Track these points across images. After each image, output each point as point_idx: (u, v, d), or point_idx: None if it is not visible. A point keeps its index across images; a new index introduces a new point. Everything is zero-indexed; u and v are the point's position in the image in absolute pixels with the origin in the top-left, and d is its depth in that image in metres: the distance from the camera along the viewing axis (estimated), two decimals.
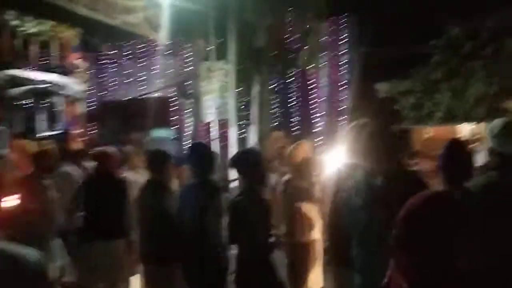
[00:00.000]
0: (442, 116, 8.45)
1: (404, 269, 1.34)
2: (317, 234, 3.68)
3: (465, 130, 9.25)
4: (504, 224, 1.62)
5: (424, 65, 8.80)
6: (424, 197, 1.35)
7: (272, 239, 2.86)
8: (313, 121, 13.99)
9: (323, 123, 13.84)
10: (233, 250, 2.89)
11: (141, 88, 12.90)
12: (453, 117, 8.38)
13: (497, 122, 2.17)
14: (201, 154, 2.87)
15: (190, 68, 11.64)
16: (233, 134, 10.02)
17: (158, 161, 3.25)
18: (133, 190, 3.89)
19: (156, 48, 11.36)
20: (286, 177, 3.75)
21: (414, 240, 1.30)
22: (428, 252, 1.27)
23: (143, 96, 12.75)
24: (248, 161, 2.90)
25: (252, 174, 2.85)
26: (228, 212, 2.77)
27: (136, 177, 4.72)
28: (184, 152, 11.05)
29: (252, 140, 10.61)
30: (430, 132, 9.33)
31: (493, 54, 7.72)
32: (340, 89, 13.79)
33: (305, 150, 3.87)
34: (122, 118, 12.54)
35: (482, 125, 8.56)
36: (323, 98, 13.82)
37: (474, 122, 8.31)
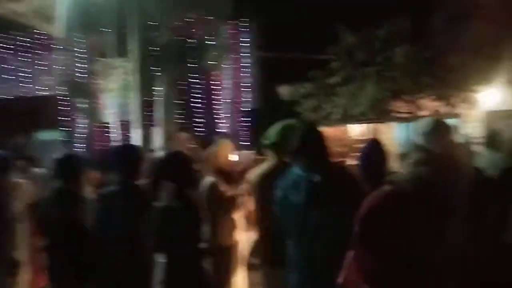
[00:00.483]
0: (339, 118, 9.14)
1: (366, 265, 1.37)
2: (240, 236, 3.63)
3: (354, 130, 10.16)
4: (439, 219, 1.76)
5: (323, 70, 9.41)
6: (382, 195, 1.39)
7: (203, 245, 2.74)
8: (217, 122, 14.04)
9: (227, 124, 13.97)
10: (160, 259, 2.69)
11: (26, 85, 11.52)
12: (348, 119, 9.13)
13: (427, 120, 2.36)
14: (128, 158, 2.62)
15: (86, 64, 10.73)
16: (136, 135, 9.52)
17: (68, 167, 2.87)
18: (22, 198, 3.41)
19: (47, 42, 10.24)
20: (210, 179, 3.62)
21: (377, 236, 1.33)
22: (390, 246, 1.31)
23: (28, 95, 11.40)
24: (177, 164, 2.73)
25: (181, 177, 2.69)
26: (156, 218, 2.58)
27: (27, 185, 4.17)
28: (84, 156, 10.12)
29: (157, 141, 10.20)
30: (327, 132, 10.03)
31: (384, 61, 8.61)
32: (243, 91, 14.09)
33: (228, 151, 3.80)
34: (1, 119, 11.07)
35: (371, 126, 9.49)
36: (227, 100, 13.95)
37: (367, 123, 9.16)
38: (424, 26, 8.82)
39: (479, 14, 8.27)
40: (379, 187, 2.62)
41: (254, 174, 2.96)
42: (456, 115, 8.58)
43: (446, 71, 8.36)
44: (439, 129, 2.26)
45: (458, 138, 2.72)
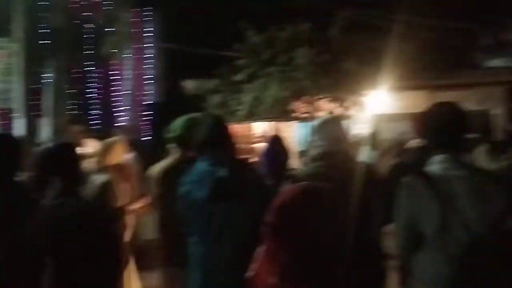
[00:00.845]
0: (244, 115, 9.29)
1: (275, 255, 1.37)
2: (131, 235, 3.44)
3: (258, 128, 10.43)
4: (338, 211, 1.86)
5: (229, 67, 9.46)
6: (297, 189, 1.41)
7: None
8: (115, 115, 13.23)
9: (126, 117, 13.26)
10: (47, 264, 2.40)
11: None
12: (253, 116, 9.32)
13: (320, 118, 2.48)
14: (6, 149, 2.25)
15: None
16: (19, 126, 8.50)
17: None
18: None
19: None
20: (102, 177, 3.35)
21: (288, 227, 1.35)
22: (300, 237, 1.34)
23: None
24: (65, 157, 2.45)
25: (69, 172, 2.42)
26: (41, 218, 2.28)
27: None
28: None
29: (45, 134, 9.23)
30: (233, 128, 10.10)
31: (287, 62, 8.96)
32: (145, 83, 13.50)
33: (123, 148, 3.58)
34: None
35: (274, 124, 9.83)
36: (126, 91, 13.23)
37: (269, 121, 9.45)
38: (323, 31, 9.40)
39: (368, 25, 9.10)
40: (281, 182, 2.70)
41: (156, 169, 2.81)
42: (348, 117, 9.30)
43: (340, 75, 9.01)
44: (332, 127, 2.40)
45: (349, 137, 2.91)
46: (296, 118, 9.36)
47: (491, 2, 9.39)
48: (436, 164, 1.82)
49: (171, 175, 2.54)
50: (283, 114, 9.15)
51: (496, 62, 10.05)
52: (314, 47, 8.98)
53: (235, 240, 2.16)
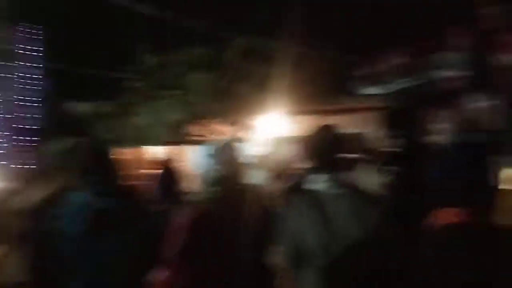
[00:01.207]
0: (138, 139, 8.94)
1: (184, 281, 1.33)
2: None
3: (152, 152, 10.14)
4: (234, 232, 1.85)
5: (122, 89, 9.10)
6: (194, 213, 1.40)
7: None
8: None
9: (4, 143, 11.91)
10: None
11: None
12: (147, 140, 9.02)
13: (214, 143, 2.46)
14: None
15: None
16: None
17: None
18: None
19: None
20: None
21: (189, 248, 1.32)
22: (200, 259, 1.31)
23: None
24: None
25: None
26: None
27: None
28: None
29: None
30: (123, 153, 9.62)
31: (182, 85, 8.91)
32: (26, 105, 12.23)
33: None
34: None
35: (169, 148, 9.62)
36: (5, 115, 11.90)
37: (164, 145, 9.23)
38: (219, 56, 9.62)
39: (262, 52, 9.57)
40: (174, 207, 2.61)
41: (28, 200, 2.49)
42: (243, 140, 9.52)
43: (235, 99, 9.25)
44: (225, 150, 2.40)
45: (242, 160, 2.97)
46: (191, 142, 9.30)
47: (367, 38, 10.64)
48: (318, 183, 1.93)
49: (45, 207, 2.28)
50: (178, 137, 9.02)
51: (371, 90, 11.37)
52: (209, 72, 9.11)
53: (120, 274, 1.99)
